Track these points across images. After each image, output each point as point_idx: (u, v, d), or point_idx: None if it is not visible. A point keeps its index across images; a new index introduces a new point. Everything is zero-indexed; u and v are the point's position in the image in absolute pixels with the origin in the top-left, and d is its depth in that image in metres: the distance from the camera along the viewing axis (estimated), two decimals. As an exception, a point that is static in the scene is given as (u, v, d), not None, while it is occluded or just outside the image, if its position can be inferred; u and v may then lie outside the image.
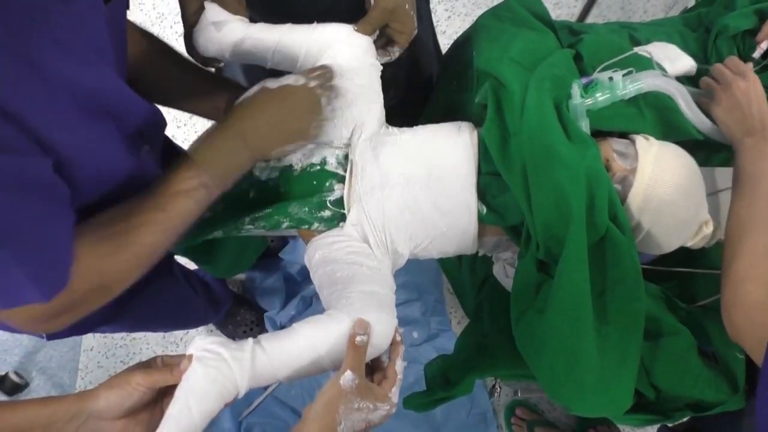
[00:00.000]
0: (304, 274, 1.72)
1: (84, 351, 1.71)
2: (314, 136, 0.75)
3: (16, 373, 1.61)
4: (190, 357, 0.63)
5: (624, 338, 0.77)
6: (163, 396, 0.65)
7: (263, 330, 1.67)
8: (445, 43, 1.44)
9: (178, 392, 0.61)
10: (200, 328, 1.73)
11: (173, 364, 0.64)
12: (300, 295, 1.69)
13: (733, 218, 0.78)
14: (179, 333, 1.74)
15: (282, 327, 1.61)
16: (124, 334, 1.72)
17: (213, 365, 0.62)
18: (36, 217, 0.51)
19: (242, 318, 1.68)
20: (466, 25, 2.06)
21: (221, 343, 0.64)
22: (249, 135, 0.69)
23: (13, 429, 0.59)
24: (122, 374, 0.63)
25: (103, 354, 1.71)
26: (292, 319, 1.70)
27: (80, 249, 0.55)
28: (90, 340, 1.72)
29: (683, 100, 0.84)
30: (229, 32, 0.80)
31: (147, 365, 0.64)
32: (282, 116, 0.71)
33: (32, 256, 0.50)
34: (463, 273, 1.25)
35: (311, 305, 1.73)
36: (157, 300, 1.01)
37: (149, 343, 1.73)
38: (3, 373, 1.60)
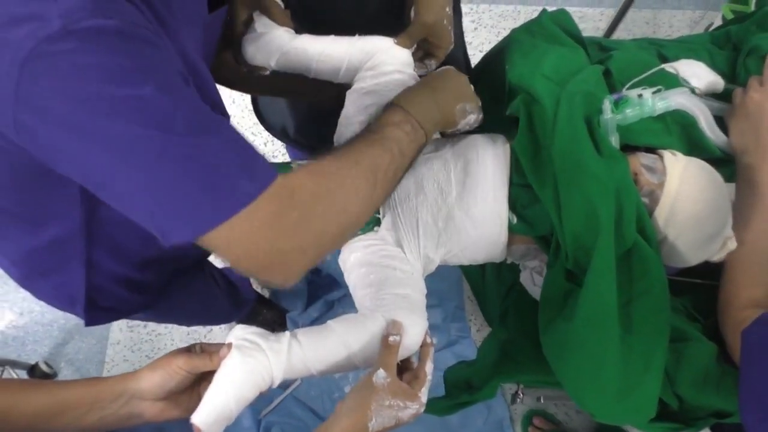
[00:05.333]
0: (327, 277, 1.75)
1: (111, 345, 1.75)
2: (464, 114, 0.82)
3: (46, 363, 1.66)
4: (230, 345, 0.66)
5: (648, 347, 0.78)
6: (200, 381, 0.68)
7: (284, 330, 1.70)
8: (471, 54, 1.47)
9: (216, 377, 0.64)
10: (222, 327, 1.77)
11: (212, 351, 0.67)
12: (323, 298, 1.71)
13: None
14: (203, 331, 1.77)
15: (304, 328, 1.64)
16: (150, 329, 1.77)
17: (251, 354, 0.65)
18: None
19: (264, 318, 1.71)
20: (492, 37, 2.12)
21: (259, 334, 0.67)
22: (437, 98, 0.78)
23: (62, 405, 0.63)
24: (165, 357, 0.66)
25: (129, 348, 1.75)
26: (314, 322, 1.72)
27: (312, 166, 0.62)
28: (117, 334, 1.77)
29: (705, 121, 0.86)
30: (276, 42, 0.84)
31: (187, 350, 0.67)
32: (450, 90, 0.81)
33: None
34: (488, 280, 1.27)
35: (333, 308, 1.75)
36: (188, 293, 1.05)
37: (174, 339, 1.77)
38: (34, 362, 1.66)
